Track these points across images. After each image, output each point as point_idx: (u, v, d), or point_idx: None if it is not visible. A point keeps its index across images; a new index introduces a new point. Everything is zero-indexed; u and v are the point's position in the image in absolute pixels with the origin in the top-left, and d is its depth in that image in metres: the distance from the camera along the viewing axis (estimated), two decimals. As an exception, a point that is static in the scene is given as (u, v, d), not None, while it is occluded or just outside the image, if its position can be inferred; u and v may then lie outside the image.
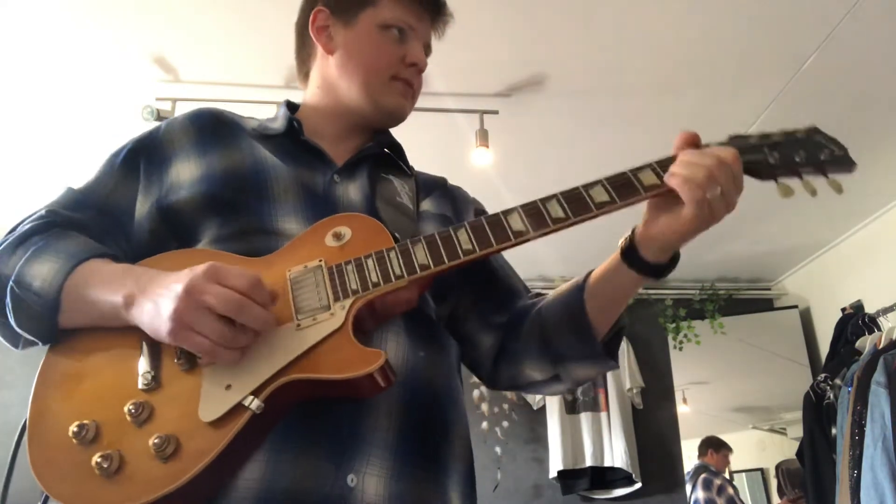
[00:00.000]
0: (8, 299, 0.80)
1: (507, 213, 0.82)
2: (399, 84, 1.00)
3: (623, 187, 0.81)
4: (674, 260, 0.86)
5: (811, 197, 0.84)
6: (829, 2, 2.16)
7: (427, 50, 1.06)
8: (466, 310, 1.02)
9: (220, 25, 2.26)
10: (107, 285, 0.78)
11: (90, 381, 0.76)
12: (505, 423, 3.97)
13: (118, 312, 0.76)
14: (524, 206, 0.82)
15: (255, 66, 2.44)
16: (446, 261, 0.79)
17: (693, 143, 0.83)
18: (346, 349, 0.73)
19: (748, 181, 0.82)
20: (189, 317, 0.70)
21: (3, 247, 0.85)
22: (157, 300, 0.72)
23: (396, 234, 0.86)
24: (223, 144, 0.94)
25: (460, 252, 0.80)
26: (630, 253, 0.85)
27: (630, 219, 0.88)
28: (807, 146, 0.84)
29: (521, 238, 0.80)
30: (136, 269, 0.80)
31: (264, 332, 0.74)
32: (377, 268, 0.79)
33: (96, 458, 0.68)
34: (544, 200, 0.82)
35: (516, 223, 0.81)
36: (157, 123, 1.01)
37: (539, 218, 0.81)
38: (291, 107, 1.06)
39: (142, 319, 0.74)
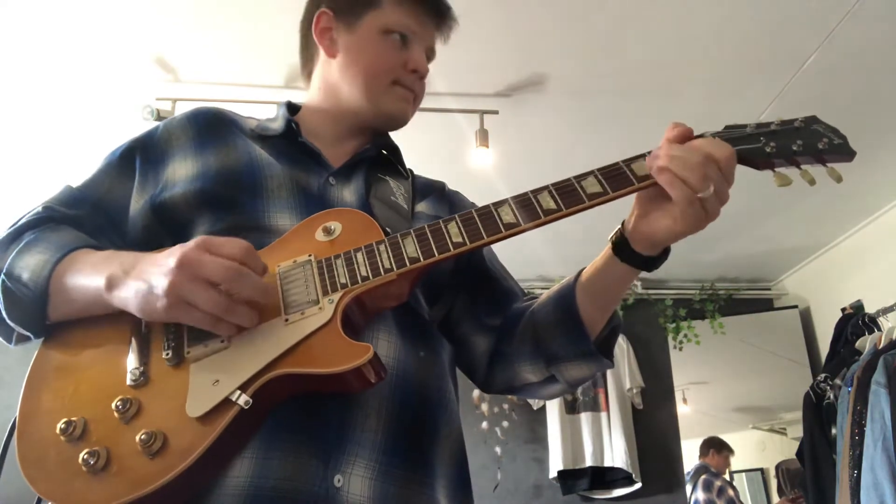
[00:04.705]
0: None
1: (497, 204, 0.81)
2: (400, 89, 1.00)
3: (616, 178, 0.80)
4: (666, 251, 0.84)
5: (810, 186, 0.83)
6: (829, 2, 2.16)
7: (430, 54, 1.06)
8: (461, 312, 1.01)
9: (221, 25, 2.26)
10: (90, 270, 0.77)
11: (79, 377, 0.76)
12: (505, 423, 3.97)
13: (101, 296, 0.75)
14: (515, 198, 0.81)
15: (255, 66, 2.44)
16: (436, 254, 0.78)
17: (687, 136, 0.80)
18: (334, 343, 0.72)
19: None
20: (184, 289, 0.69)
21: None
22: (149, 278, 0.72)
23: (387, 229, 0.85)
24: (220, 143, 0.94)
25: (450, 245, 0.78)
26: (621, 246, 0.84)
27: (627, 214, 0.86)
28: (804, 135, 0.84)
29: (511, 230, 0.78)
30: (121, 253, 0.79)
31: (261, 304, 0.73)
32: (366, 261, 0.78)
33: (83, 455, 0.67)
34: (536, 192, 0.80)
35: (507, 215, 0.79)
36: (156, 123, 1.01)
37: (530, 210, 0.79)
38: (292, 108, 1.06)
39: (127, 299, 0.73)
